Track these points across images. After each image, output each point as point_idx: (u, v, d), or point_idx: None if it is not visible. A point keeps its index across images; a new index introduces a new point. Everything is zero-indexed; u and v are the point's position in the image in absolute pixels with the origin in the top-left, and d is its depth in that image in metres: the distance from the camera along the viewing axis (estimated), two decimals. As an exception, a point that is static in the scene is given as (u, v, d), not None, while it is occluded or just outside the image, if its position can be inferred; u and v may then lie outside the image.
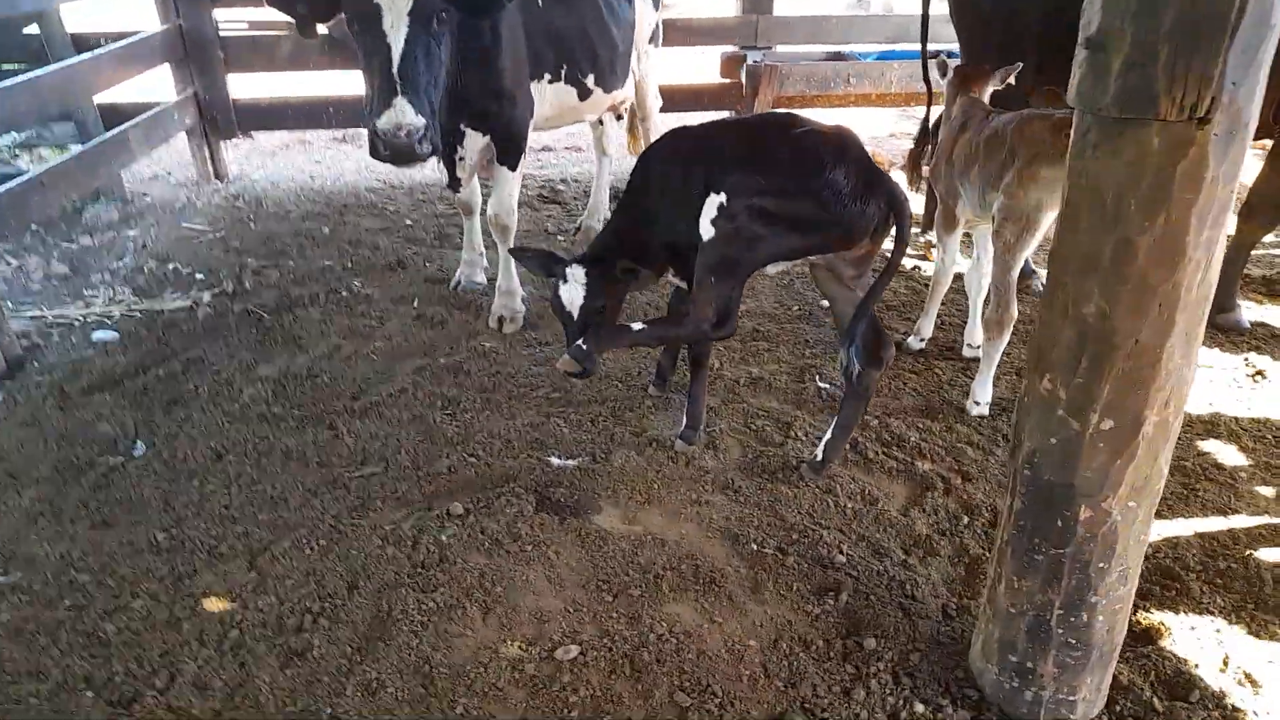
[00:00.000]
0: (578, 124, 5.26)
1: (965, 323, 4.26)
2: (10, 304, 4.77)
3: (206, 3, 6.40)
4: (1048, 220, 3.28)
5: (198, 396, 3.88)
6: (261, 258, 5.41)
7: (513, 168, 4.29)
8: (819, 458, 3.28)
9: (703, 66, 7.92)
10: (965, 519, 3.11)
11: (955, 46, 6.83)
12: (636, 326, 3.24)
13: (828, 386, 3.89)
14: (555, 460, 3.39)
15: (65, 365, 4.17)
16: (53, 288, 5.09)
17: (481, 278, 4.96)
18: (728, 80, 7.22)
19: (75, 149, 5.83)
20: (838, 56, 7.10)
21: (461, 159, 4.20)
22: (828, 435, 3.30)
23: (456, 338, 4.39)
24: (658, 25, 5.63)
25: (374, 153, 3.37)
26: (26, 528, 3.08)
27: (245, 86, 7.05)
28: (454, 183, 4.31)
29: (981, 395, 3.66)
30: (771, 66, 6.55)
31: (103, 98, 6.22)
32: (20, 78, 4.89)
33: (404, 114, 3.28)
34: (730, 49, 7.23)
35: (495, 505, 3.11)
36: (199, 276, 5.16)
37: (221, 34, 6.55)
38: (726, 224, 2.93)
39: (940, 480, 3.30)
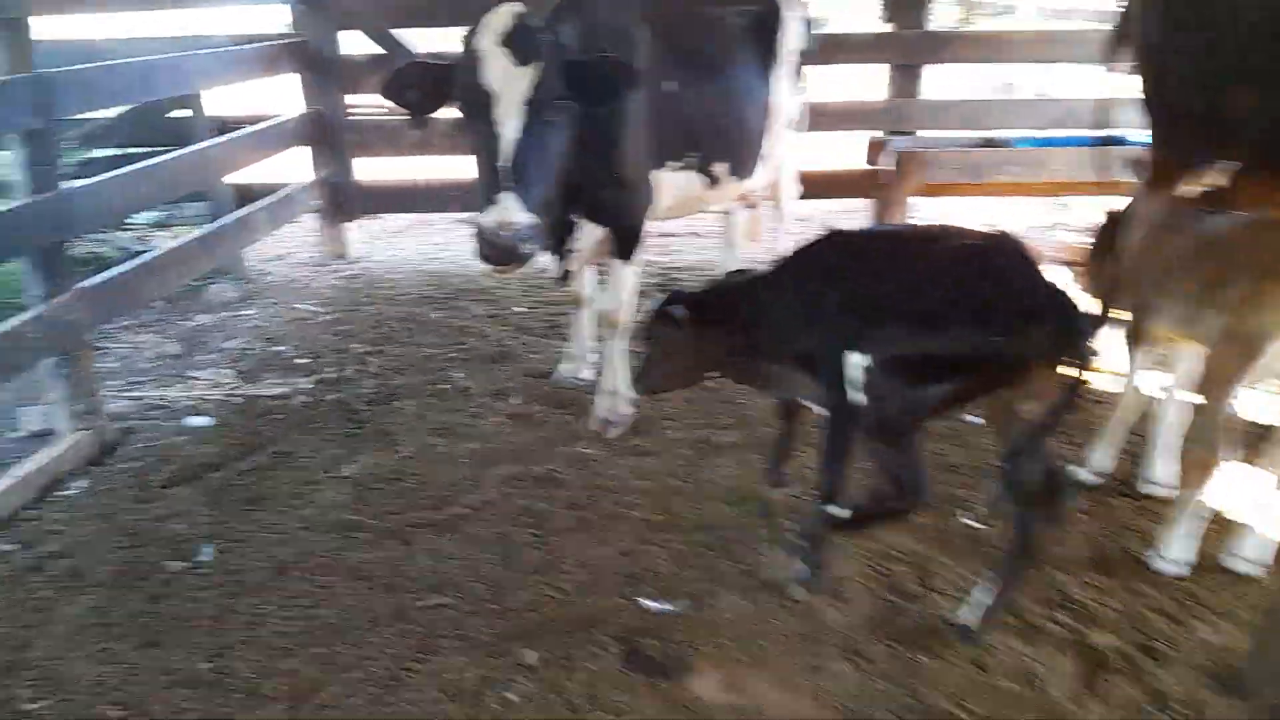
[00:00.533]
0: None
1: (1143, 450, 3.58)
2: (118, 383, 4.71)
3: (338, 90, 6.46)
4: (1276, 349, 2.65)
5: (276, 496, 3.62)
6: (368, 342, 5.23)
7: (629, 261, 3.94)
8: (969, 622, 2.69)
9: (845, 152, 7.49)
10: (1158, 717, 2.44)
11: (1126, 132, 6.19)
12: (838, 513, 2.74)
13: (973, 523, 3.27)
14: (649, 603, 2.90)
15: (155, 452, 4.01)
16: (162, 366, 5.03)
17: (586, 373, 4.59)
18: (871, 166, 6.76)
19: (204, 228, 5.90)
20: (991, 143, 6.54)
21: (573, 251, 3.88)
22: (979, 594, 2.70)
23: (553, 441, 4.00)
24: (800, 108, 5.24)
25: (478, 252, 3.08)
26: (73, 639, 2.83)
27: (372, 169, 7.06)
28: (564, 276, 3.98)
29: (1173, 550, 2.98)
30: (919, 153, 6.05)
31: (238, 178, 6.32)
32: (155, 160, 4.93)
33: (509, 211, 2.99)
34: (876, 134, 6.78)
35: (574, 657, 2.65)
36: (301, 361, 5.01)
37: (350, 119, 6.58)
38: (875, 386, 2.49)
39: (1122, 660, 2.64)
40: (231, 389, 4.69)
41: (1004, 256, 2.49)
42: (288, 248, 7.26)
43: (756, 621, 2.81)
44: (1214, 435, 2.79)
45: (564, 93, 3.15)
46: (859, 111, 6.97)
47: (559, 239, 3.81)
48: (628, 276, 3.97)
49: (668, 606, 2.89)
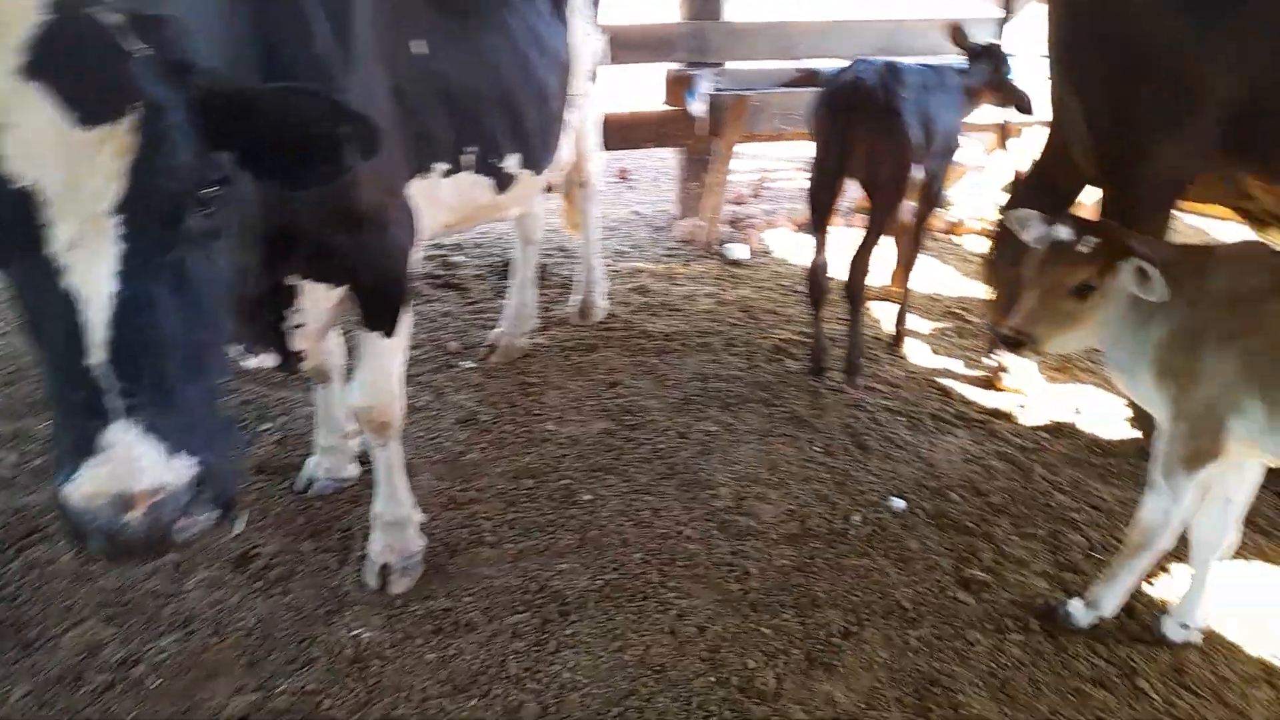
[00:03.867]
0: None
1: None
2: None
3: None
4: None
5: None
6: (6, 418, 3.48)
7: (390, 330, 2.52)
8: None
9: (630, 84, 6.21)
10: None
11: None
12: None
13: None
14: None
15: None
16: None
17: (350, 470, 3.17)
18: (675, 107, 5.54)
19: None
20: (811, 75, 5.51)
21: (300, 325, 2.43)
22: None
23: (307, 617, 2.59)
24: (600, 50, 3.88)
25: (76, 538, 1.43)
26: None
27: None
28: (289, 362, 2.51)
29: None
30: (740, 98, 4.89)
31: None
32: None
33: (131, 468, 1.37)
34: (674, 66, 5.53)
35: None
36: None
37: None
38: None
39: None
40: None
41: None
42: None
43: None
44: None
45: (210, 172, 1.52)
46: (649, 39, 5.62)
47: (273, 314, 2.37)
48: (391, 356, 2.57)
49: None
